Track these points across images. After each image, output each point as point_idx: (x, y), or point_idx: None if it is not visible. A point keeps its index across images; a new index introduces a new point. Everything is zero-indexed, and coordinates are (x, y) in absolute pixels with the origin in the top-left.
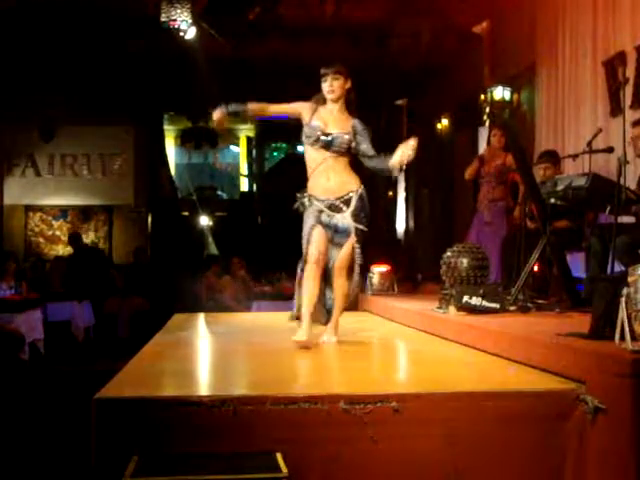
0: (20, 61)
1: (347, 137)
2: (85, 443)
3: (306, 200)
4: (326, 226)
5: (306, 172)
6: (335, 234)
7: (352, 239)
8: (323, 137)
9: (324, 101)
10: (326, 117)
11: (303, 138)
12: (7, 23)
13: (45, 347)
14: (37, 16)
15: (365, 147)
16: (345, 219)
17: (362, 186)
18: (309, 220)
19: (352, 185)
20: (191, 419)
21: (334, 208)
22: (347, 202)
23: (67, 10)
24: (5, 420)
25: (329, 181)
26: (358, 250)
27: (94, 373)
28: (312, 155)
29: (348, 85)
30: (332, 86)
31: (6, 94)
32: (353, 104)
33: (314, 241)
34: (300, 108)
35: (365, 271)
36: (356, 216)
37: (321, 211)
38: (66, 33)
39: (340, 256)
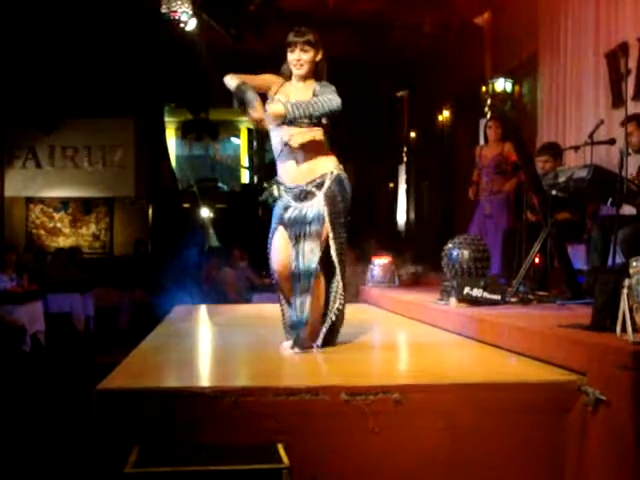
0: (21, 53)
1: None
2: (87, 434)
3: (274, 190)
4: (294, 223)
5: None
6: (308, 225)
7: (326, 228)
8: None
9: (289, 76)
10: (289, 90)
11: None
12: (8, 15)
13: (46, 339)
14: (38, 8)
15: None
16: (317, 204)
17: (341, 168)
18: (273, 220)
19: (326, 167)
20: (192, 410)
21: (305, 195)
22: (320, 186)
23: (68, 2)
24: (7, 412)
25: (298, 164)
26: (333, 243)
27: (95, 365)
28: (277, 135)
29: (319, 57)
30: (300, 60)
31: (7, 86)
32: (324, 75)
33: (274, 251)
34: (270, 81)
35: (366, 263)
36: (331, 201)
37: (287, 207)
38: (67, 25)
39: (312, 249)
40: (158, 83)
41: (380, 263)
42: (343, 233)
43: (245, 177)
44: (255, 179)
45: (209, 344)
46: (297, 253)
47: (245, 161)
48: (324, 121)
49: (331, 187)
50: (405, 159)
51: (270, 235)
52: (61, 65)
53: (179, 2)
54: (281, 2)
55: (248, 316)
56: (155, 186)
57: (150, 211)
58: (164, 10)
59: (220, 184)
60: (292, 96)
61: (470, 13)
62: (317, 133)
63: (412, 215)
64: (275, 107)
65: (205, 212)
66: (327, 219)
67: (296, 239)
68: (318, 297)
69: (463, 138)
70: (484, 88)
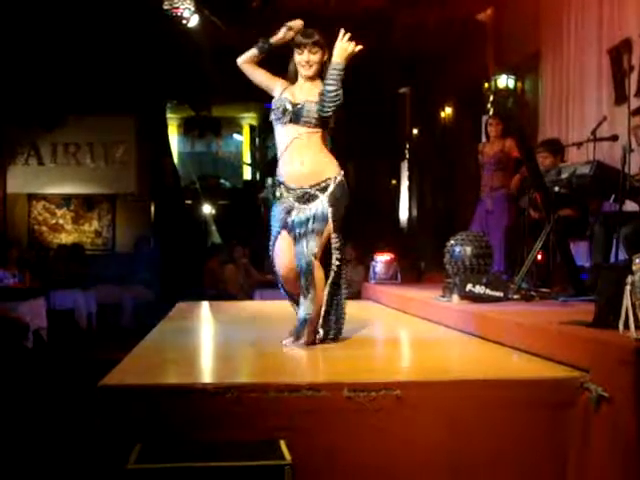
0: (23, 50)
1: (317, 105)
2: (89, 431)
3: (276, 190)
4: (298, 225)
5: None
6: (310, 224)
7: (329, 228)
8: (289, 106)
9: (295, 77)
10: (295, 91)
11: (271, 116)
12: (9, 13)
13: (49, 335)
14: (39, 6)
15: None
16: (321, 204)
17: (342, 173)
18: (275, 224)
19: (330, 171)
20: (194, 406)
21: (308, 198)
22: (324, 190)
23: (68, 1)
24: (10, 408)
25: (303, 165)
26: (335, 241)
27: (97, 361)
28: (282, 134)
29: (325, 57)
30: (309, 61)
31: (9, 83)
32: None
33: (279, 255)
34: (274, 84)
35: (369, 260)
36: (335, 203)
37: (290, 210)
38: (68, 22)
39: (317, 246)
40: (160, 80)
41: (382, 260)
42: (341, 235)
43: (247, 174)
44: (257, 176)
45: (211, 341)
46: (298, 252)
47: (247, 158)
48: (331, 121)
49: (335, 191)
50: (407, 156)
51: (272, 239)
52: (63, 62)
53: None
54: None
55: (250, 312)
56: (157, 183)
57: (152, 208)
58: (166, 7)
59: (222, 181)
60: (298, 96)
61: (473, 9)
62: (323, 133)
63: (414, 212)
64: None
65: (207, 209)
66: (330, 219)
67: (297, 238)
68: (318, 289)
69: (465, 135)
70: (486, 85)
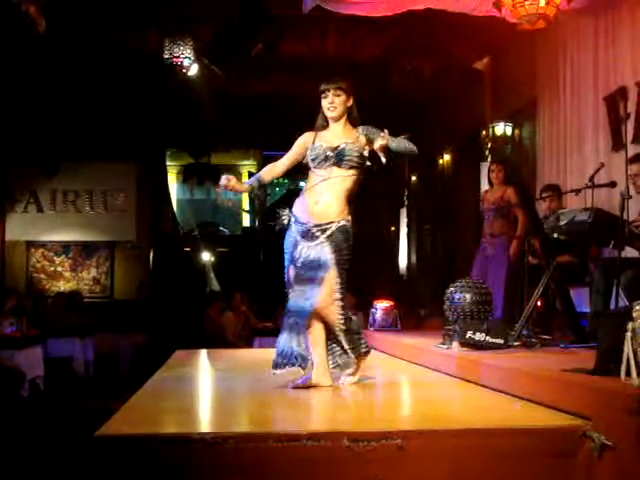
0: (24, 97)
1: (357, 145)
2: None
3: (286, 219)
4: (302, 267)
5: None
6: (310, 270)
7: (331, 275)
8: (330, 152)
9: (325, 125)
10: (328, 136)
11: (308, 162)
12: (12, 59)
13: (45, 383)
14: (39, 54)
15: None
16: (323, 250)
17: (348, 220)
18: (286, 254)
19: (335, 215)
20: (192, 457)
21: (311, 235)
22: (324, 232)
23: (69, 48)
24: (5, 457)
25: (316, 205)
26: (337, 284)
27: (94, 410)
28: (316, 174)
29: (350, 103)
30: (333, 102)
31: (10, 129)
32: (358, 121)
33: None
34: (302, 142)
35: (369, 307)
36: (336, 248)
37: (296, 244)
38: (68, 71)
39: (321, 296)
40: (159, 128)
41: (382, 307)
42: (344, 276)
43: (246, 221)
44: (256, 223)
45: (209, 389)
46: (303, 292)
47: (246, 205)
48: (371, 165)
49: (334, 235)
50: (406, 202)
51: (285, 270)
52: (63, 110)
53: (181, 48)
54: (282, 48)
55: (249, 361)
56: (156, 230)
57: (151, 255)
58: (166, 55)
59: (221, 228)
60: (330, 138)
61: (470, 58)
62: (352, 179)
63: (413, 258)
64: (381, 141)
65: (206, 256)
66: (333, 266)
67: (304, 281)
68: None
69: (464, 181)
70: (484, 132)
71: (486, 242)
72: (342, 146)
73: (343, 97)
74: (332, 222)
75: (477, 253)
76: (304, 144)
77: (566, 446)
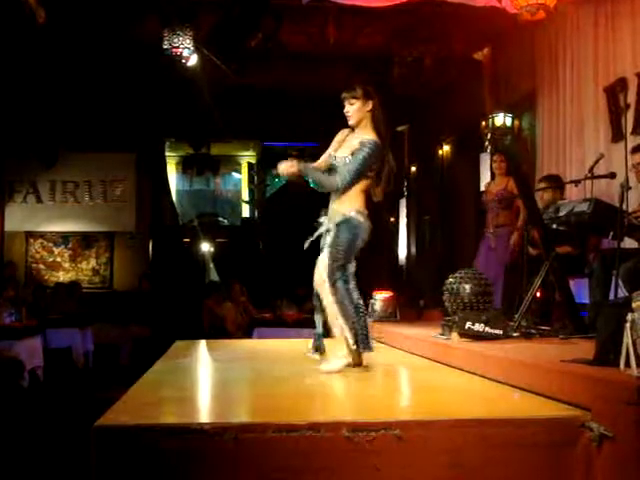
0: (23, 88)
1: (347, 159)
2: (85, 471)
3: (322, 219)
4: (323, 249)
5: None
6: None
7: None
8: (332, 161)
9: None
10: (346, 139)
11: None
12: (10, 50)
13: (45, 374)
14: (38, 45)
15: (338, 163)
16: (331, 234)
17: (356, 212)
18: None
19: (345, 210)
20: (192, 447)
21: (328, 229)
22: (336, 225)
23: (68, 38)
24: (5, 447)
25: (333, 204)
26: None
27: (94, 400)
28: None
29: (369, 107)
30: (348, 111)
31: (8, 120)
32: (381, 123)
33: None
34: (336, 139)
35: (368, 298)
36: (337, 232)
37: (323, 233)
38: (67, 61)
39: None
40: (159, 118)
41: (381, 297)
42: (341, 262)
43: (246, 211)
44: (255, 213)
45: (209, 380)
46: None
47: (246, 195)
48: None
49: (340, 224)
50: (406, 193)
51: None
52: (62, 100)
53: (181, 38)
54: (282, 38)
55: (248, 351)
56: (156, 221)
57: (150, 246)
58: (166, 46)
59: (220, 218)
60: (346, 144)
61: (469, 49)
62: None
63: (413, 249)
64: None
65: (205, 247)
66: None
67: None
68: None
69: (463, 172)
70: (484, 123)
71: (489, 233)
72: (337, 159)
73: (357, 105)
74: (343, 214)
75: (480, 244)
76: (336, 142)
77: (565, 436)
